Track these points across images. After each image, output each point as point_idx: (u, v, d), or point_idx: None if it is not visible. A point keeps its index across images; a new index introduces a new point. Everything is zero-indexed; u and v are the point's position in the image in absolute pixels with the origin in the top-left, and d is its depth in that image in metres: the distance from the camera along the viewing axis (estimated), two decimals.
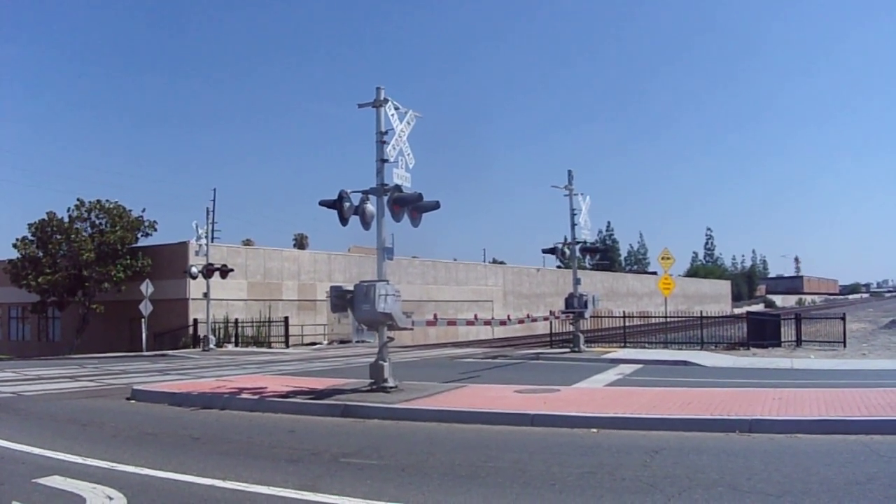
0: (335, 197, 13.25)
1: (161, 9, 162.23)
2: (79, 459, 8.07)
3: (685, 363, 19.95)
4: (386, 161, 13.13)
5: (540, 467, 7.39)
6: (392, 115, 13.23)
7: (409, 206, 13.14)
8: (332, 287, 13.40)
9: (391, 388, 12.95)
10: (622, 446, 8.40)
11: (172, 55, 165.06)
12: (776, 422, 9.29)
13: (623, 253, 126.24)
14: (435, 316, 19.98)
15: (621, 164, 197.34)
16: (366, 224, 13.21)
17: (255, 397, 12.72)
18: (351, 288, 12.77)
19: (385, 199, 13.06)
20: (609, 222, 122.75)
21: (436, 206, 13.35)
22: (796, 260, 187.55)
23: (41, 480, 7.06)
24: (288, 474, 7.30)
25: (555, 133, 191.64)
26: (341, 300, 12.75)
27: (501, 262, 74.54)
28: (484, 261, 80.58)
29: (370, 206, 13.26)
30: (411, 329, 14.28)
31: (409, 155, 13.36)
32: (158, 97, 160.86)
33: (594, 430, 9.48)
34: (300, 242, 70.84)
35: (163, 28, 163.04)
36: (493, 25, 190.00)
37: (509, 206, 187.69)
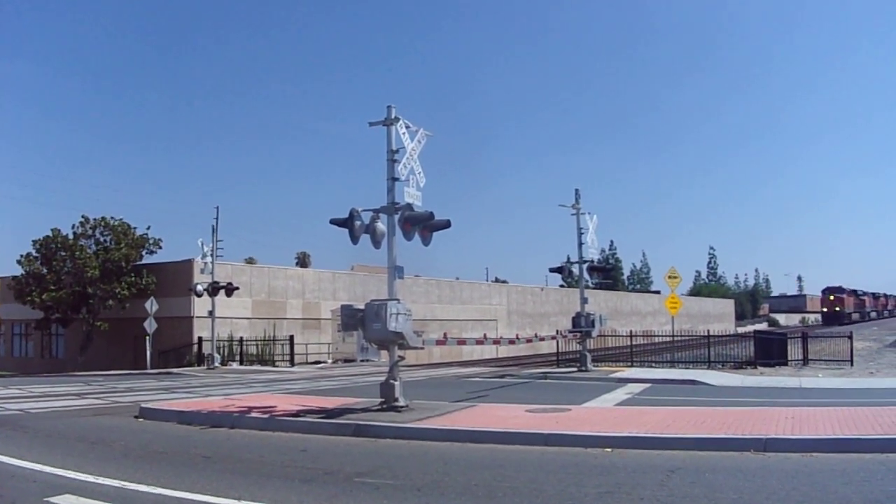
0: (344, 215, 13.27)
1: (167, 28, 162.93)
2: (90, 478, 7.98)
3: (693, 382, 19.86)
4: (397, 179, 13.11)
5: (557, 487, 7.33)
6: (403, 133, 13.21)
7: (421, 224, 13.10)
8: (342, 306, 13.38)
9: (402, 407, 12.90)
10: (638, 466, 8.35)
11: (177, 74, 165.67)
12: (791, 441, 9.24)
13: (626, 272, 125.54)
14: (445, 335, 19.85)
15: (623, 184, 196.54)
16: (376, 243, 13.18)
17: (265, 416, 12.66)
18: (362, 307, 12.75)
19: (396, 217, 13.05)
20: (612, 241, 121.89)
21: (447, 224, 13.33)
22: (799, 279, 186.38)
23: (53, 499, 6.98)
24: (302, 494, 7.24)
25: (556, 152, 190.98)
26: (352, 319, 12.73)
27: (504, 281, 74.43)
28: (487, 280, 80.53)
29: (381, 225, 13.23)
30: (422, 348, 14.20)
31: (419, 174, 13.33)
32: (162, 116, 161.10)
33: (609, 449, 9.42)
34: (303, 261, 70.98)
35: (168, 47, 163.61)
36: (498, 46, 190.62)
37: (510, 224, 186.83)
